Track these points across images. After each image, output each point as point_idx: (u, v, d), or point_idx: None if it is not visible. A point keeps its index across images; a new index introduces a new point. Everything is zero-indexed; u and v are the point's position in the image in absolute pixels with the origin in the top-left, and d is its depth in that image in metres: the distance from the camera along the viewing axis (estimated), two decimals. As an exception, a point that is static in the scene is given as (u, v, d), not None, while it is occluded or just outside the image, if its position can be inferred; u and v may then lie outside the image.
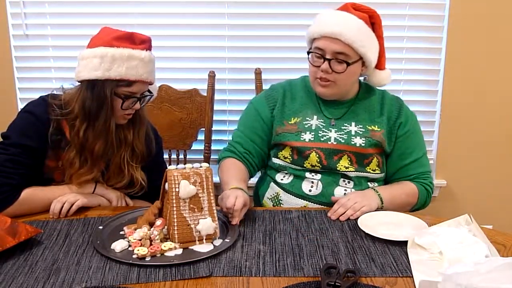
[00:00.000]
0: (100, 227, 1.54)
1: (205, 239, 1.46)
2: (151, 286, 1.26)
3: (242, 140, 1.94)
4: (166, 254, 1.41)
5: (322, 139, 1.83)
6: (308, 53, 1.82)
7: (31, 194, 1.69)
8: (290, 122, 1.88)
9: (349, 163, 1.83)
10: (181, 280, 1.28)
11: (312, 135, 1.84)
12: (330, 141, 1.83)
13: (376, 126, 1.86)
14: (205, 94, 2.45)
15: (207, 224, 1.46)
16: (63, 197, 1.68)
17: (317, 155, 1.82)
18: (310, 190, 1.82)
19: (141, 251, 1.38)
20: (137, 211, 1.66)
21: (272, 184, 1.91)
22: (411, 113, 1.94)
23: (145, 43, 1.71)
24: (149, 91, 1.77)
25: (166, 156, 2.46)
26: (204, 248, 1.43)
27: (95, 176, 1.76)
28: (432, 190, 1.91)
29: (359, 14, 1.78)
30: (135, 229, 1.48)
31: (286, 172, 1.89)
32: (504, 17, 2.49)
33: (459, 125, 2.63)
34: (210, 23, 2.53)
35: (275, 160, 1.91)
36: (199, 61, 2.57)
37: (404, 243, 1.43)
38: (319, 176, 1.83)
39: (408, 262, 1.35)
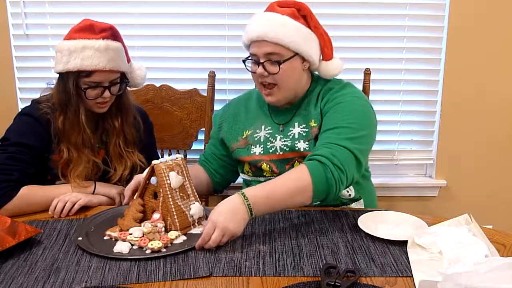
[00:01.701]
0: (80, 238, 1.47)
1: (197, 222, 1.56)
2: (151, 286, 1.26)
3: (206, 148, 2.05)
4: (174, 242, 1.46)
5: (270, 151, 1.80)
6: (244, 62, 1.80)
7: (31, 191, 1.71)
8: (243, 137, 1.88)
9: None
10: (181, 280, 1.28)
11: (261, 148, 1.82)
12: (277, 151, 1.80)
13: (313, 121, 1.76)
14: (205, 94, 2.45)
15: (198, 208, 1.57)
16: (65, 196, 1.69)
17: (268, 166, 1.80)
18: None
19: (156, 244, 1.41)
20: (101, 214, 1.66)
21: None
22: (347, 92, 1.75)
23: (104, 31, 1.72)
24: (126, 78, 1.81)
25: (166, 156, 2.46)
26: (200, 230, 1.52)
27: (87, 169, 1.78)
28: (332, 161, 1.52)
29: (284, 11, 1.72)
30: (121, 230, 1.49)
31: (252, 185, 1.83)
32: (504, 17, 2.49)
33: (459, 125, 2.62)
34: (210, 23, 2.53)
35: (242, 175, 1.94)
36: (199, 61, 2.57)
37: (404, 243, 1.43)
38: None
39: (408, 262, 1.35)
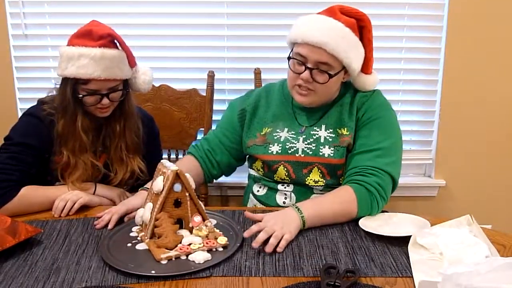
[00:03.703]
0: (153, 271, 1.30)
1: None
2: (150, 286, 1.26)
3: (211, 138, 1.92)
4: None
5: (289, 152, 1.75)
6: (289, 58, 1.71)
7: (31, 191, 1.71)
8: (262, 133, 1.82)
9: (320, 175, 1.74)
10: (181, 280, 1.28)
11: (279, 146, 1.77)
12: (297, 153, 1.75)
13: (346, 129, 1.73)
14: (205, 94, 2.45)
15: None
16: (66, 195, 1.70)
17: (285, 169, 1.76)
18: (284, 202, 1.78)
19: (224, 240, 1.43)
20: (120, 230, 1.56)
21: (251, 195, 1.88)
22: (381, 102, 1.77)
23: (102, 38, 1.69)
24: (126, 85, 1.79)
25: (165, 156, 2.46)
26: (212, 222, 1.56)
27: (86, 173, 1.78)
28: (379, 192, 1.62)
29: (347, 20, 1.66)
30: (168, 248, 1.39)
31: (261, 183, 1.85)
32: (503, 17, 2.49)
33: (458, 125, 2.63)
34: (209, 23, 2.53)
35: (250, 171, 1.90)
36: (199, 61, 2.57)
37: (404, 243, 1.43)
38: (291, 187, 1.78)
39: (408, 262, 1.35)
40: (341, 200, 1.60)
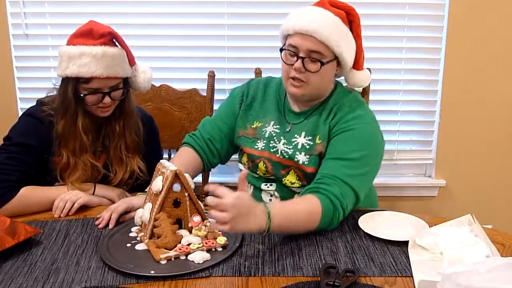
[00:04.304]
0: (152, 271, 1.30)
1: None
2: (150, 286, 1.26)
3: (209, 126, 1.90)
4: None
5: (271, 150, 1.77)
6: (281, 50, 1.70)
7: (30, 192, 1.71)
8: (252, 126, 1.83)
9: (297, 178, 1.73)
10: (180, 280, 1.28)
11: (264, 143, 1.78)
12: (277, 154, 1.75)
13: (318, 137, 1.70)
14: (205, 94, 2.45)
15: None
16: (65, 195, 1.70)
17: (265, 165, 1.77)
18: (270, 200, 1.79)
19: (223, 240, 1.43)
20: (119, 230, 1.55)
21: None
22: (358, 115, 1.69)
23: (103, 37, 1.69)
24: (127, 83, 1.79)
25: (165, 156, 2.46)
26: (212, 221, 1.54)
27: (86, 174, 1.78)
28: (342, 204, 1.52)
29: (336, 11, 1.66)
30: (168, 248, 1.39)
31: (248, 181, 1.84)
32: (504, 17, 2.49)
33: (458, 125, 2.63)
34: (209, 23, 2.53)
35: (240, 165, 1.90)
36: (199, 61, 2.57)
37: (404, 243, 1.43)
38: (273, 186, 1.79)
39: (408, 261, 1.35)
40: (309, 210, 1.50)
